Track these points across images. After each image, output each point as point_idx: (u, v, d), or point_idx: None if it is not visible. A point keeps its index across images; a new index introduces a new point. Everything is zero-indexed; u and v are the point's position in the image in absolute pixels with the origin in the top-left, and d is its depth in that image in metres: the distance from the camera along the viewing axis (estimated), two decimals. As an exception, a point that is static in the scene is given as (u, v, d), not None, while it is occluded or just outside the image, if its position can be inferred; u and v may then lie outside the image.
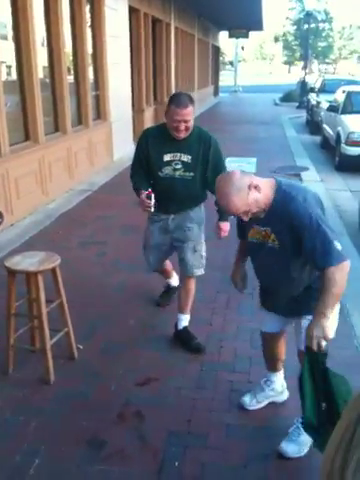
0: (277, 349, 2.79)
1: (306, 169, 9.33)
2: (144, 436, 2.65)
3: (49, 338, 3.06)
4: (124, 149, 9.88)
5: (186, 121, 3.11)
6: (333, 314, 2.22)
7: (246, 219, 2.26)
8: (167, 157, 3.25)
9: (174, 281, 4.11)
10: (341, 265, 2.11)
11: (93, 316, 3.87)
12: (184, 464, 2.47)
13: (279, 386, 2.90)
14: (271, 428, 2.74)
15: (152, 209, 3.18)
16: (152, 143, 3.29)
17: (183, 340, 3.50)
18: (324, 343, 2.16)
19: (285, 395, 2.94)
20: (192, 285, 3.54)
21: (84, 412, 2.82)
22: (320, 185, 8.05)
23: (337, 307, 2.47)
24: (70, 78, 7.86)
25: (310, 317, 2.37)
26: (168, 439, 2.63)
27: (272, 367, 2.87)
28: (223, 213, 3.36)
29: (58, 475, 2.41)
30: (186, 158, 3.25)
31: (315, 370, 2.19)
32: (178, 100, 3.11)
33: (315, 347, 2.16)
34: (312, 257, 2.19)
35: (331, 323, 2.19)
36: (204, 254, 3.51)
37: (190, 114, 3.11)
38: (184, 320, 3.56)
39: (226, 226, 3.44)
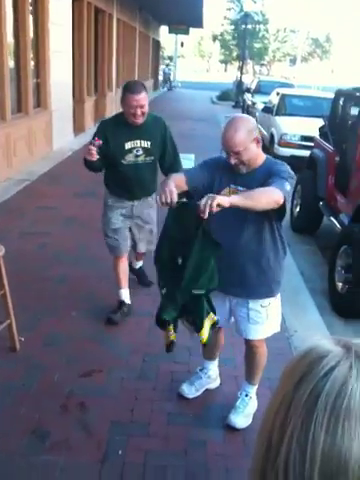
0: (217, 340, 2.93)
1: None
2: (88, 426, 2.71)
3: (-9, 330, 3.04)
4: (64, 139, 9.74)
5: (142, 106, 3.30)
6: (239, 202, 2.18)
7: (233, 162, 2.37)
8: (128, 145, 3.43)
9: (126, 295, 3.89)
10: (278, 190, 2.19)
11: (35, 308, 3.85)
12: (127, 452, 2.55)
13: (214, 373, 3.07)
14: (209, 415, 2.89)
15: (97, 157, 3.21)
16: (111, 134, 3.42)
17: (139, 275, 4.34)
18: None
19: (218, 381, 3.12)
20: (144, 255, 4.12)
21: (27, 403, 2.84)
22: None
23: (279, 296, 2.64)
24: (11, 64, 7.64)
25: (253, 306, 2.52)
26: (111, 428, 2.70)
27: (210, 355, 3.02)
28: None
29: (3, 465, 2.42)
30: (146, 144, 3.47)
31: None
32: (133, 87, 3.31)
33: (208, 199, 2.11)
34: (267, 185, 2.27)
35: (225, 201, 2.11)
36: (155, 230, 3.77)
37: (145, 99, 3.31)
38: (139, 264, 4.30)
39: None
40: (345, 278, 4.44)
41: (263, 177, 2.37)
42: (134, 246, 3.91)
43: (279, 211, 2.32)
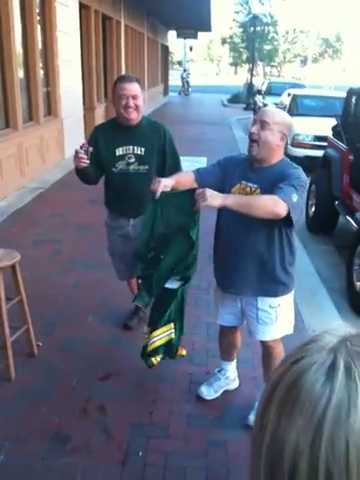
0: (233, 340, 2.92)
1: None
2: (107, 429, 2.72)
3: (9, 335, 3.05)
4: (75, 146, 9.78)
5: (134, 97, 2.96)
6: (230, 202, 2.23)
7: (254, 130, 2.35)
8: (119, 151, 3.11)
9: None
10: (280, 201, 2.17)
11: (52, 314, 3.87)
12: (148, 454, 2.55)
13: (232, 374, 3.05)
14: (228, 416, 2.87)
15: (87, 163, 2.92)
16: (102, 139, 3.14)
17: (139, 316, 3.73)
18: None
19: (237, 382, 3.10)
20: None
21: (47, 408, 2.85)
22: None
23: (291, 297, 2.62)
24: (20, 73, 7.73)
25: (261, 306, 2.52)
26: (131, 431, 2.70)
27: (227, 356, 3.01)
28: None
29: (24, 469, 2.43)
30: (139, 150, 3.11)
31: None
32: (124, 77, 3.08)
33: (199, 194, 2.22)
34: (274, 191, 2.25)
35: (216, 201, 2.19)
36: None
37: (138, 90, 2.99)
38: None
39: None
40: (363, 276, 4.39)
41: (276, 177, 2.35)
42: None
43: (285, 220, 2.27)
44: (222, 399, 2.99)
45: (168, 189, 2.40)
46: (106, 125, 3.33)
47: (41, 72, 8.50)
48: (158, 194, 2.37)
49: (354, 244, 4.61)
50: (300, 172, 2.39)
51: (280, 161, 2.45)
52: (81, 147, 2.90)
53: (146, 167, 3.14)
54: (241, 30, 37.60)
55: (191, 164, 9.97)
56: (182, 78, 32.02)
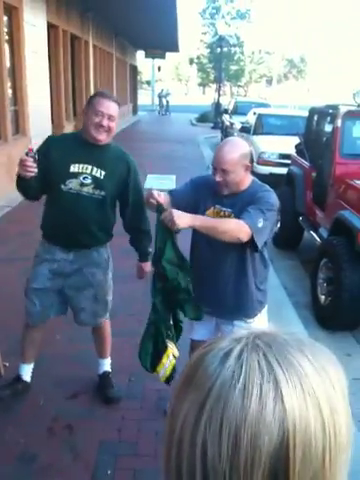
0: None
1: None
2: (75, 448, 2.70)
3: (-25, 356, 3.02)
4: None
5: (110, 117, 2.63)
6: (197, 223, 2.28)
7: (218, 179, 2.38)
8: (74, 168, 2.68)
9: (27, 371, 3.17)
10: (246, 226, 2.24)
11: (19, 333, 3.81)
12: (116, 472, 2.55)
13: None
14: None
15: (35, 171, 2.50)
16: (56, 150, 2.71)
17: (102, 386, 3.20)
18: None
19: None
20: (105, 330, 3.16)
21: (13, 427, 2.82)
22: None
23: (265, 311, 2.67)
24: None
25: (238, 323, 2.54)
26: (100, 449, 2.70)
27: None
28: (144, 254, 3.02)
29: (-11, 492, 2.39)
30: (99, 173, 2.72)
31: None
32: (103, 93, 2.73)
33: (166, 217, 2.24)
34: (241, 214, 2.30)
35: (183, 221, 2.22)
36: (110, 298, 3.04)
37: (116, 112, 2.67)
38: (102, 365, 3.26)
39: (148, 266, 3.00)
40: (327, 291, 4.51)
41: (248, 200, 2.39)
42: (75, 316, 3.03)
43: (250, 244, 2.33)
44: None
45: (162, 197, 2.38)
46: (65, 136, 2.98)
47: (9, 91, 8.48)
48: (161, 205, 2.33)
49: (318, 258, 4.73)
50: (270, 195, 2.43)
51: (251, 184, 2.49)
52: (27, 154, 2.48)
53: (102, 193, 2.73)
54: (208, 51, 38.26)
55: (160, 181, 10.08)
56: (159, 98, 32.24)
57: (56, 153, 2.69)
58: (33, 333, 3.05)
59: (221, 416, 0.51)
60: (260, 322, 2.66)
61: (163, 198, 2.37)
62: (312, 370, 0.54)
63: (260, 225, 2.28)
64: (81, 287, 2.88)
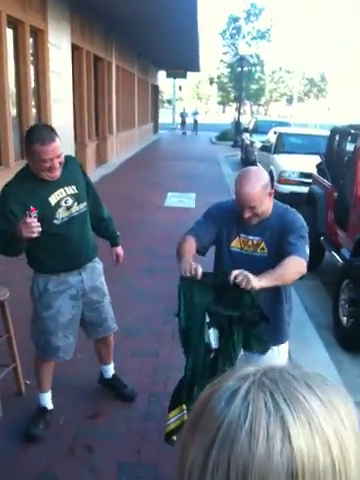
0: None
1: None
2: (95, 469, 2.69)
3: (-3, 373, 3.04)
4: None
5: (59, 156, 2.58)
6: (264, 283, 2.15)
7: (247, 215, 2.29)
8: (53, 199, 2.68)
9: (49, 399, 3.15)
10: (302, 260, 2.22)
11: (40, 351, 3.85)
12: (135, 494, 2.52)
13: None
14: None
15: (40, 229, 2.43)
16: (27, 196, 2.59)
17: (115, 388, 3.35)
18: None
19: None
20: (112, 338, 3.33)
21: (34, 447, 2.82)
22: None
23: (286, 346, 2.64)
24: (13, 111, 7.88)
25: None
26: (119, 471, 2.68)
27: None
28: (114, 237, 3.21)
29: (9, 512, 2.39)
30: (72, 189, 2.76)
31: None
32: (41, 136, 2.52)
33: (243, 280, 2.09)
34: (288, 248, 2.24)
35: (257, 284, 2.10)
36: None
37: (59, 146, 2.57)
38: (110, 370, 3.42)
39: (121, 250, 3.26)
40: (349, 312, 4.44)
41: (277, 226, 2.36)
42: (93, 330, 3.13)
43: None
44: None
45: (200, 268, 2.24)
46: (20, 180, 2.70)
47: (34, 110, 8.67)
48: (199, 274, 2.21)
49: (340, 279, 4.68)
50: (299, 217, 2.40)
51: (274, 210, 2.42)
52: (30, 215, 2.40)
53: (84, 203, 2.83)
54: (229, 70, 38.64)
55: (180, 199, 10.13)
56: (182, 116, 32.49)
57: (28, 198, 2.56)
58: (51, 364, 3.06)
59: (228, 458, 0.51)
60: (285, 347, 2.65)
61: (200, 270, 2.24)
62: (320, 406, 0.53)
63: (308, 252, 2.29)
64: (100, 300, 3.03)
